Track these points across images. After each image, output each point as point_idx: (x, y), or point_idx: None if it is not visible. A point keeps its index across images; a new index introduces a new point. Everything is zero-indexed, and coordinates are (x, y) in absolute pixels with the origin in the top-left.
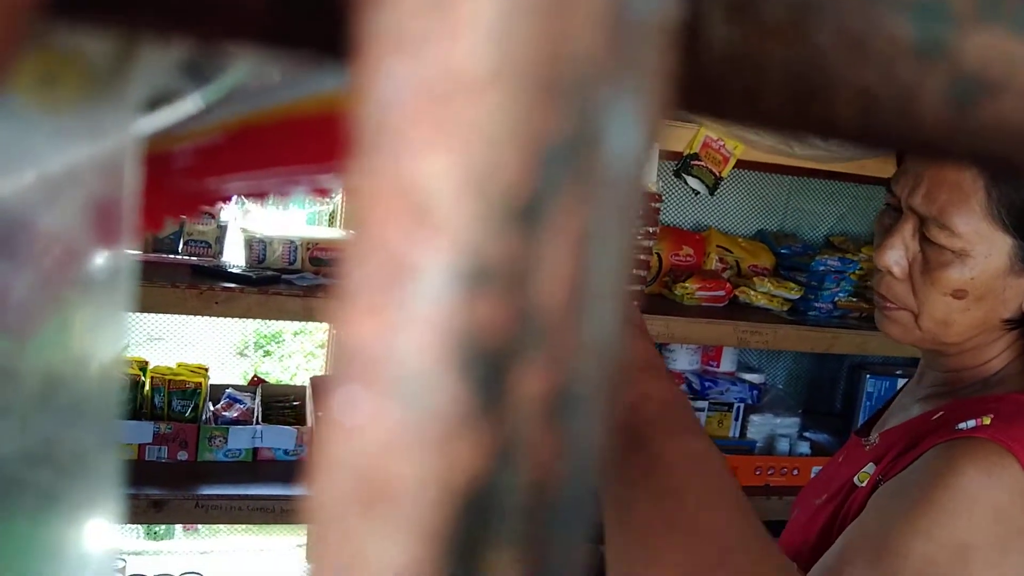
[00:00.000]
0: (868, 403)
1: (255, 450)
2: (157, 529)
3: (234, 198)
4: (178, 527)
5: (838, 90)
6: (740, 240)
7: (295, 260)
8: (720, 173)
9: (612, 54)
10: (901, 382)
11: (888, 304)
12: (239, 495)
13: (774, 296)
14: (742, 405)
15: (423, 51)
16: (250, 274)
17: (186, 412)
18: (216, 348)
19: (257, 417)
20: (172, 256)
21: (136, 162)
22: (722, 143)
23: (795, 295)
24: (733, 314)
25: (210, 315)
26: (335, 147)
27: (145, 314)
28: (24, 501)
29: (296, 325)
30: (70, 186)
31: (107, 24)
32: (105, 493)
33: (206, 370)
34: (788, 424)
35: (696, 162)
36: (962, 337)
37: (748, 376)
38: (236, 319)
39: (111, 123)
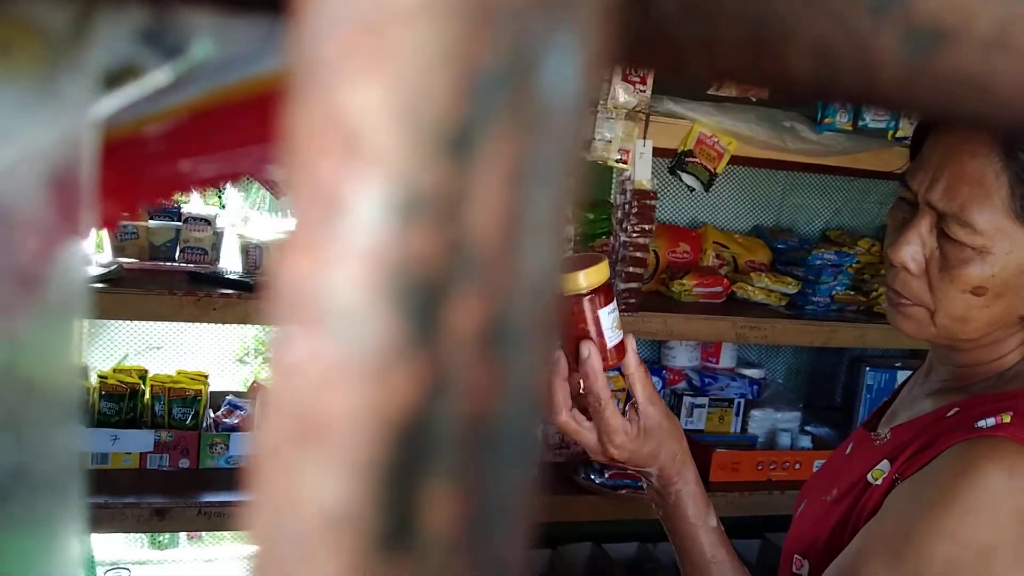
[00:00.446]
0: (869, 396)
1: None
2: (161, 538)
3: (209, 181)
4: (182, 535)
5: (793, 42)
6: (736, 236)
7: None
8: (715, 169)
9: None
10: (901, 374)
11: (903, 300)
12: (242, 502)
13: (772, 291)
14: (742, 401)
15: None
16: (247, 280)
17: (187, 420)
18: (216, 355)
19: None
20: (169, 264)
21: (96, 136)
22: (716, 139)
23: (792, 289)
24: (731, 310)
25: (208, 322)
26: None
27: (143, 322)
28: None
29: None
30: (29, 160)
31: None
32: (70, 503)
33: (206, 377)
34: (789, 418)
35: (690, 159)
36: (979, 333)
37: (748, 371)
38: (235, 325)
39: (70, 92)
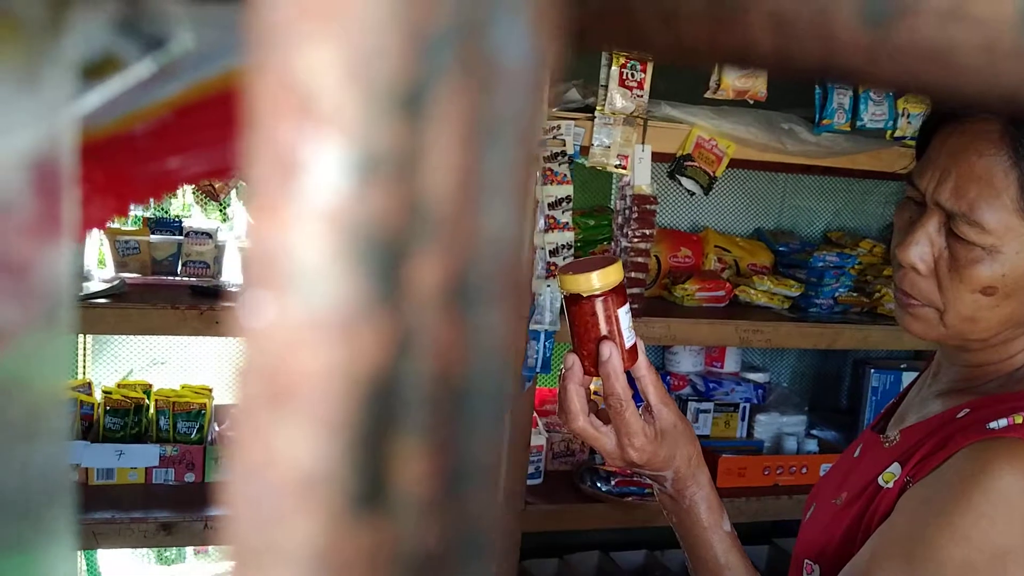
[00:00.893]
0: (874, 398)
1: None
2: (168, 553)
3: (199, 177)
4: (189, 550)
5: (752, 15)
6: (738, 239)
7: None
8: (714, 173)
9: None
10: (906, 375)
11: (912, 301)
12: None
13: (774, 294)
14: (748, 405)
15: None
16: None
17: (192, 434)
18: (219, 368)
19: None
20: (171, 278)
21: (78, 131)
22: (714, 143)
23: (795, 292)
24: (734, 314)
25: (212, 335)
26: None
27: (147, 337)
28: None
29: None
30: (8, 155)
31: None
32: (59, 518)
33: (210, 391)
34: (795, 422)
35: (689, 163)
36: (989, 333)
37: (752, 376)
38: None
39: (48, 84)
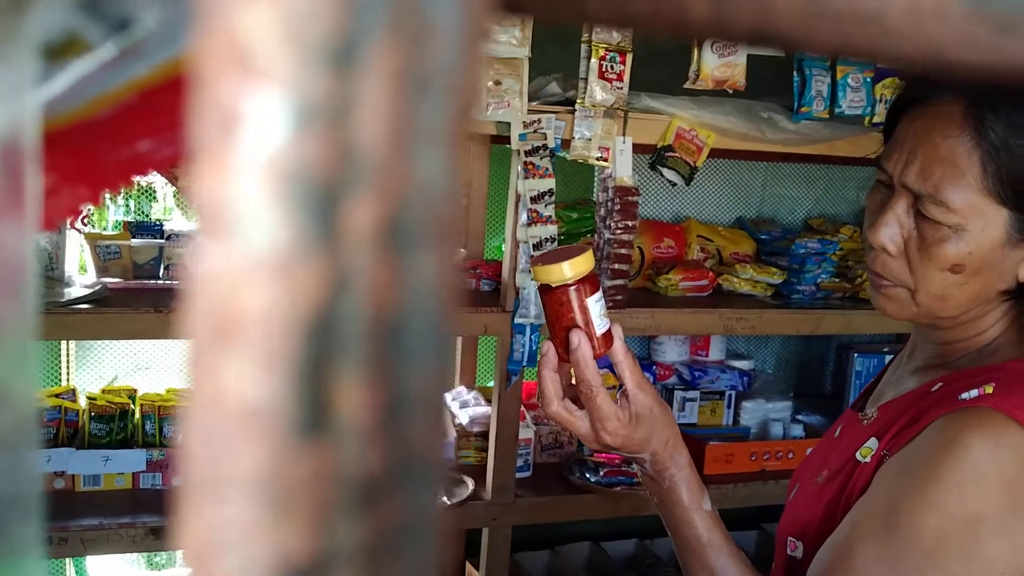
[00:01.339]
0: (858, 382)
1: None
2: (158, 558)
3: (170, 161)
4: (179, 554)
5: None
6: (720, 228)
7: None
8: (695, 163)
9: None
10: (888, 359)
11: (884, 282)
12: None
13: (757, 282)
14: (733, 392)
15: None
16: None
17: (179, 438)
18: None
19: None
20: (153, 281)
21: (41, 114)
22: (695, 133)
23: (778, 279)
24: (718, 302)
25: None
26: None
27: (131, 342)
28: None
29: None
30: None
31: None
32: (27, 531)
33: None
34: (780, 408)
35: (670, 154)
36: (959, 310)
37: (737, 363)
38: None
39: (9, 63)
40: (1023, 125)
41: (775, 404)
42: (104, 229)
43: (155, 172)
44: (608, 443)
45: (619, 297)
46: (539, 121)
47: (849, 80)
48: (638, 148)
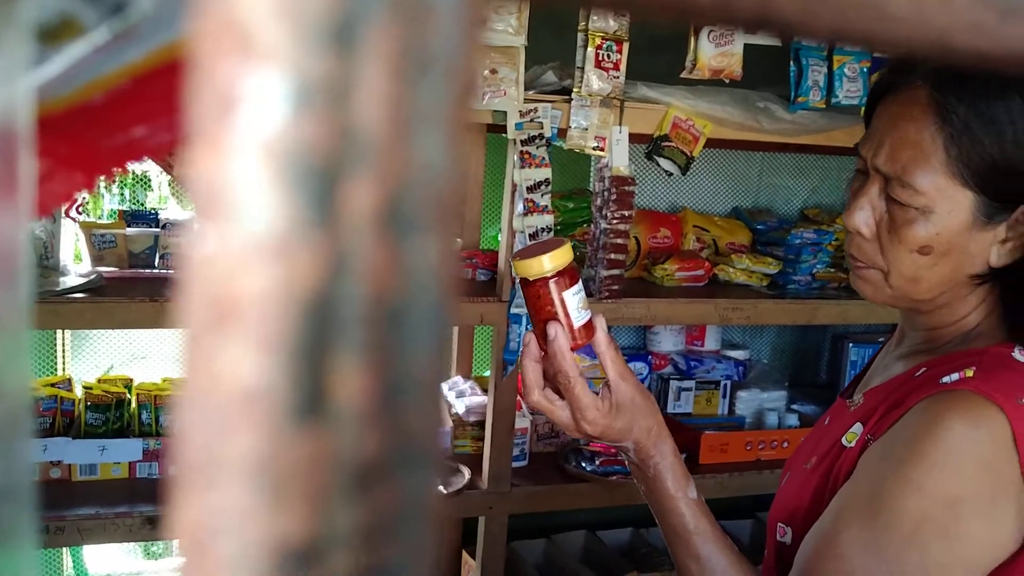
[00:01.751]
0: (852, 371)
1: None
2: (154, 547)
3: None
4: (175, 542)
5: None
6: (716, 218)
7: None
8: (691, 153)
9: None
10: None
11: (859, 263)
12: None
13: (753, 272)
14: (729, 382)
15: None
16: None
17: None
18: None
19: None
20: (149, 271)
21: (35, 97)
22: (691, 123)
23: (773, 270)
24: (714, 292)
25: None
26: None
27: (127, 332)
28: None
29: None
30: None
31: None
32: (20, 520)
33: None
34: (775, 398)
35: (667, 143)
36: (932, 293)
37: (733, 353)
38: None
39: (3, 47)
40: (985, 110)
41: (770, 394)
42: (99, 218)
43: (150, 159)
44: (588, 432)
45: (615, 287)
46: (535, 110)
47: (846, 70)
48: (634, 138)
